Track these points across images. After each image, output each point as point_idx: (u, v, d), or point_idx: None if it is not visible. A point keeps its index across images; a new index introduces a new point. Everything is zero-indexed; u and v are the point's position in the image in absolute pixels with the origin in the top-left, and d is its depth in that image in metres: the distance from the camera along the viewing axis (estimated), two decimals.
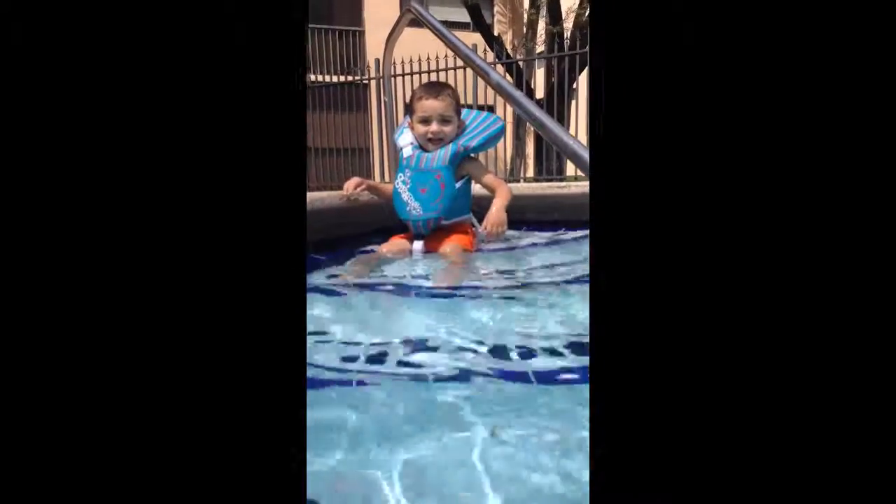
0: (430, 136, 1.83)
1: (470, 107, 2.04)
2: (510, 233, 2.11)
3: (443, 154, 1.82)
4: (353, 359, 0.88)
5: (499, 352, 0.90)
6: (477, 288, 1.38)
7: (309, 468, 0.42)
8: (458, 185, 1.83)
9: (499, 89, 1.58)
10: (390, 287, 1.44)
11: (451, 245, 1.77)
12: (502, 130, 1.98)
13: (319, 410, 0.70)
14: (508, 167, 8.11)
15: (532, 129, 8.21)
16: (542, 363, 0.84)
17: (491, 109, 2.37)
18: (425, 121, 1.83)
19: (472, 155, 1.92)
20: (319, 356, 0.89)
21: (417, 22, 2.28)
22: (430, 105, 1.82)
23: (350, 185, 1.88)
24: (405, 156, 1.89)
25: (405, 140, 1.92)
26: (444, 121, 1.83)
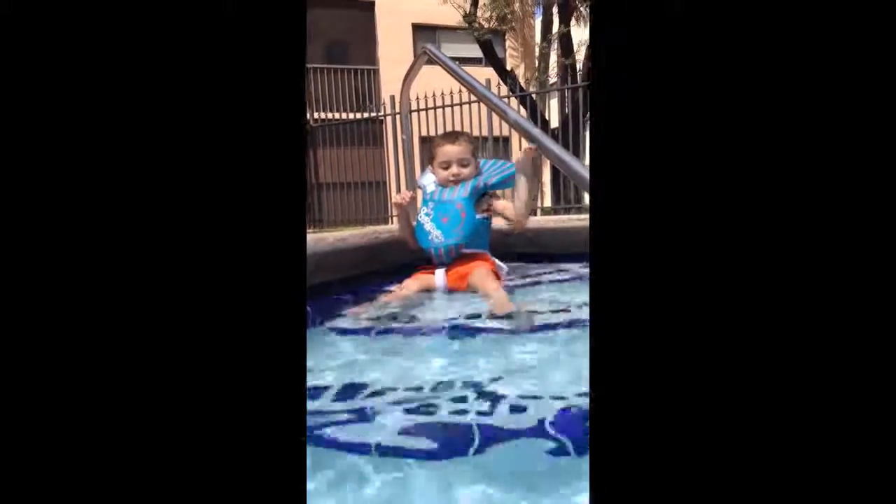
0: (451, 178, 1.97)
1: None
2: (533, 267, 2.11)
3: (463, 187, 1.95)
4: (365, 408, 0.88)
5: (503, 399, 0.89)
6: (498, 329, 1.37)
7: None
8: (478, 216, 1.93)
9: (516, 126, 1.61)
10: (414, 328, 1.44)
11: (477, 272, 1.79)
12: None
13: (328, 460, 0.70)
14: None
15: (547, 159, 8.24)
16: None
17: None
18: (446, 165, 1.98)
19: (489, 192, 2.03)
20: (332, 398, 0.89)
21: (432, 61, 2.34)
22: (448, 150, 1.98)
23: (400, 197, 1.99)
24: (428, 191, 2.03)
25: (428, 180, 2.06)
26: (462, 164, 1.97)
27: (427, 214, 1.96)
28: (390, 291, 1.82)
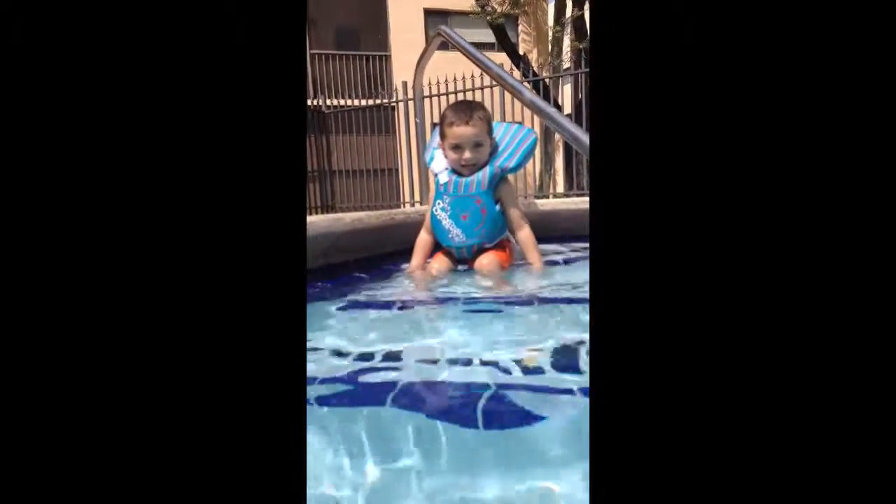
0: (463, 163, 1.78)
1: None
2: (545, 247, 2.11)
3: (481, 178, 1.78)
4: (390, 381, 0.90)
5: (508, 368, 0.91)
6: (513, 302, 1.39)
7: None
8: (497, 207, 1.80)
9: (533, 107, 1.61)
10: (439, 302, 1.47)
11: (487, 257, 1.78)
12: (536, 143, 1.93)
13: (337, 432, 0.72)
14: (538, 182, 8.11)
15: (560, 143, 8.19)
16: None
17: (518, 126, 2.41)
18: (457, 148, 1.78)
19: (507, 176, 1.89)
20: (355, 372, 0.92)
21: (445, 45, 2.34)
22: (461, 132, 1.75)
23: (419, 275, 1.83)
24: (441, 181, 1.84)
25: (439, 165, 1.88)
26: (476, 146, 1.77)
27: (444, 209, 1.79)
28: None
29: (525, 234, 1.81)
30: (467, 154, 1.76)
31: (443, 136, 1.83)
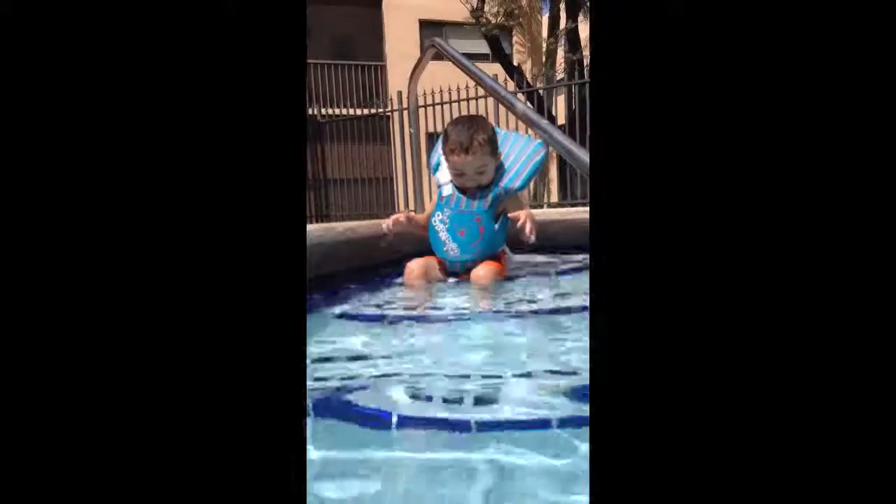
0: (466, 186, 1.79)
1: None
2: (541, 258, 2.11)
3: (483, 198, 1.79)
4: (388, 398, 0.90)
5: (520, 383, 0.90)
6: (511, 314, 1.39)
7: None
8: (496, 225, 1.80)
9: (525, 119, 1.62)
10: (424, 316, 1.46)
11: (483, 268, 1.76)
12: (544, 159, 1.90)
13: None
14: (532, 192, 8.14)
15: (555, 153, 8.26)
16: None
17: None
18: (460, 174, 1.77)
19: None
20: (346, 385, 0.91)
21: (439, 56, 2.35)
22: (461, 162, 1.73)
23: (390, 223, 1.81)
24: (444, 194, 1.84)
25: (444, 178, 1.87)
26: (478, 173, 1.76)
27: (442, 222, 1.80)
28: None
29: (525, 211, 1.71)
30: (469, 183, 1.78)
31: (446, 157, 1.80)
